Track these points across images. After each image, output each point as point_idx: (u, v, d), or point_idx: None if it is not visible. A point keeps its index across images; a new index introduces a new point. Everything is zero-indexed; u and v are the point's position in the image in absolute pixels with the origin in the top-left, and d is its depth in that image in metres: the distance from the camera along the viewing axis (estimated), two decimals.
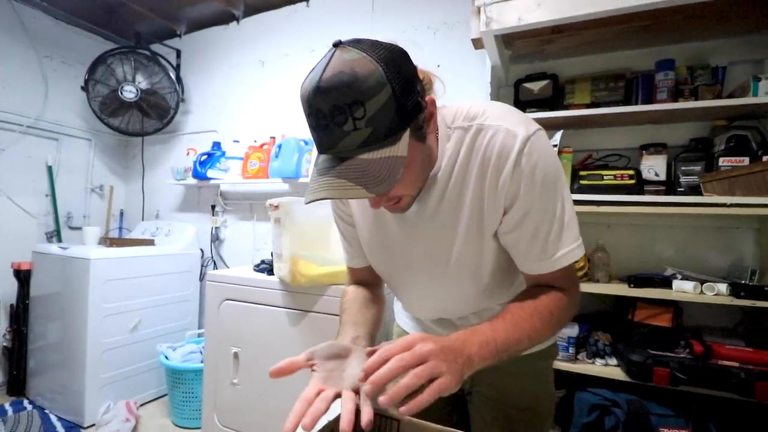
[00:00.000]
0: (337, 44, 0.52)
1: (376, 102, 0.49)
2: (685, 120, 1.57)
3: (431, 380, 0.48)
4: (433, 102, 0.58)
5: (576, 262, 0.64)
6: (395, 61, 0.51)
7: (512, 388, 0.81)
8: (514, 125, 0.60)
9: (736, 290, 1.32)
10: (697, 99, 1.45)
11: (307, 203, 0.54)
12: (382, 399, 0.48)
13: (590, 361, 1.52)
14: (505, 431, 0.80)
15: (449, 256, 0.69)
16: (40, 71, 2.62)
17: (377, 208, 0.63)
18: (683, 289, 1.38)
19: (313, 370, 0.59)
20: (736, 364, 1.29)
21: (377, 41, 0.53)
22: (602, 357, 1.51)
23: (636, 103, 1.53)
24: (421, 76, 0.60)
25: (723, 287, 1.35)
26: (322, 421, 0.63)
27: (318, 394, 0.55)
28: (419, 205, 0.67)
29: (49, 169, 2.70)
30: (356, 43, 0.51)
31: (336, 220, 0.83)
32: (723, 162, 1.42)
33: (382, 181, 0.51)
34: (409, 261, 0.74)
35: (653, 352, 1.39)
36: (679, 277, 1.46)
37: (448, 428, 0.61)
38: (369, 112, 0.49)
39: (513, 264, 0.69)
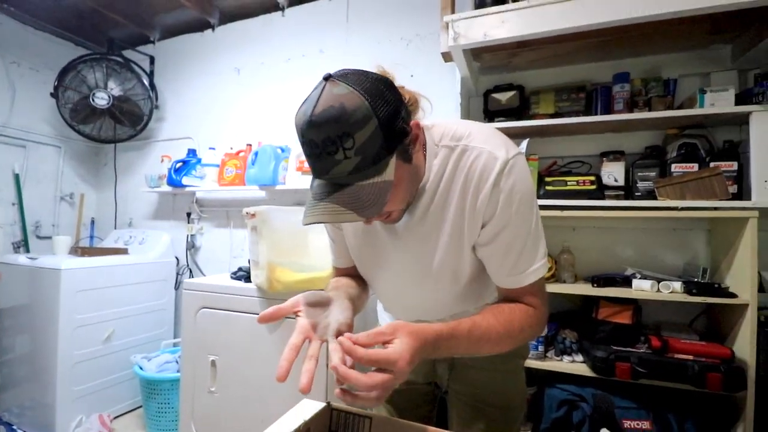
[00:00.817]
0: (327, 77, 0.57)
1: (363, 133, 0.54)
2: (641, 129, 1.68)
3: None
4: (418, 125, 0.63)
5: (544, 278, 0.72)
6: (380, 92, 0.56)
7: (486, 386, 0.87)
8: (496, 148, 0.66)
9: (689, 288, 1.42)
10: (650, 110, 1.55)
11: (304, 224, 0.59)
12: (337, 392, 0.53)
13: (558, 358, 1.60)
14: (481, 427, 0.86)
15: (431, 262, 0.74)
16: (7, 77, 2.54)
17: (370, 225, 0.69)
18: (642, 287, 1.47)
19: (297, 316, 0.63)
20: (691, 357, 1.38)
21: (364, 73, 0.58)
22: (569, 354, 1.59)
23: (596, 113, 1.62)
24: (407, 97, 0.65)
25: (678, 285, 1.44)
26: (298, 420, 0.66)
27: (304, 341, 0.60)
28: (406, 215, 0.73)
29: (16, 177, 2.62)
30: (344, 77, 0.56)
31: (326, 225, 0.87)
32: (675, 168, 1.52)
33: (372, 205, 0.56)
34: (393, 266, 0.79)
35: (615, 348, 1.47)
36: (638, 276, 1.55)
37: (418, 424, 0.65)
38: (357, 143, 0.54)
39: (487, 274, 0.75)
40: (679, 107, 1.56)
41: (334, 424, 0.70)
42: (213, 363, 1.52)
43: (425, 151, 0.69)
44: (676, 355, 1.41)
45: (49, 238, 2.66)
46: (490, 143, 0.67)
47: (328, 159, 0.55)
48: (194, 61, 2.70)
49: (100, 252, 2.35)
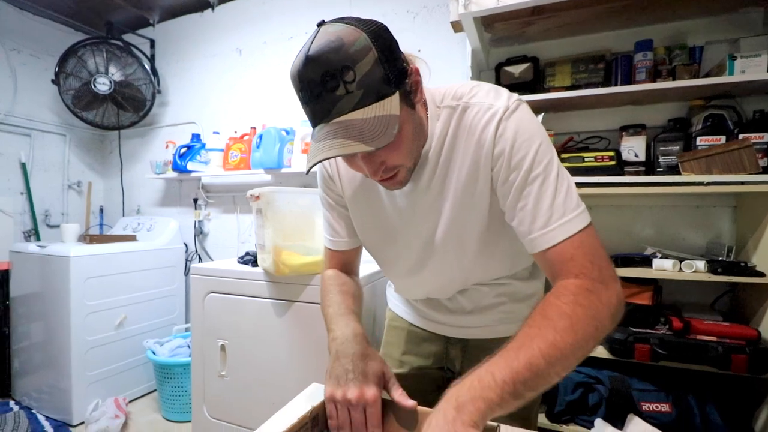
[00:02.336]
0: (320, 23, 0.55)
1: (364, 64, 0.51)
2: (664, 100, 1.58)
3: None
4: (418, 71, 0.59)
5: (590, 235, 0.56)
6: (377, 31, 0.54)
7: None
8: (495, 100, 0.62)
9: (713, 267, 1.35)
10: (675, 79, 1.46)
11: (308, 168, 0.55)
12: None
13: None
14: None
15: (435, 232, 0.70)
16: (8, 64, 2.51)
17: (376, 178, 0.61)
18: (663, 267, 1.41)
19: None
20: (714, 339, 1.33)
21: (359, 17, 0.56)
22: None
23: (616, 85, 1.53)
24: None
25: (701, 264, 1.37)
26: (305, 406, 0.63)
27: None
28: (411, 184, 0.68)
29: (23, 166, 2.62)
30: (339, 19, 0.54)
31: (323, 198, 0.82)
32: (700, 141, 1.44)
33: (379, 135, 0.52)
34: (400, 239, 0.75)
35: (634, 329, 1.42)
36: (659, 255, 1.48)
37: (425, 408, 0.61)
38: (359, 75, 0.51)
39: (496, 246, 0.70)
40: (706, 76, 1.47)
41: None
42: (222, 347, 1.51)
43: (427, 111, 0.65)
44: (699, 337, 1.36)
45: (59, 226, 2.67)
46: (490, 96, 0.63)
47: (329, 97, 0.52)
48: (195, 43, 2.63)
49: (108, 239, 2.35)
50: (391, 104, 0.53)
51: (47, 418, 2.12)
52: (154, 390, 2.32)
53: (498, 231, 0.68)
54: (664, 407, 1.37)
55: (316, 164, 0.53)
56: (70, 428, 2.03)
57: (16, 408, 2.22)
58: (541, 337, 0.49)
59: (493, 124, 0.60)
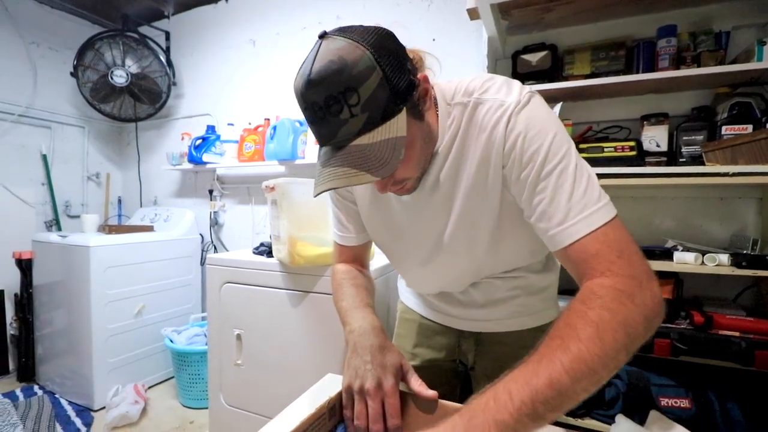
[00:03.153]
0: (322, 35, 0.52)
1: (368, 86, 0.49)
2: (688, 88, 1.53)
3: None
4: (426, 79, 0.57)
5: (617, 228, 0.51)
6: (382, 43, 0.51)
7: (514, 363, 0.82)
8: (507, 95, 0.59)
9: (737, 260, 1.31)
10: (699, 66, 1.41)
11: (315, 196, 0.54)
12: None
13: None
14: None
15: (444, 230, 0.69)
16: (28, 58, 2.56)
17: (384, 193, 0.62)
18: (684, 260, 1.37)
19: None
20: (737, 334, 1.29)
21: (362, 26, 0.53)
22: None
23: (637, 72, 1.48)
24: (411, 56, 0.59)
25: (725, 258, 1.33)
26: (322, 397, 0.63)
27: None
28: (420, 182, 0.67)
29: (44, 157, 2.68)
30: (341, 32, 0.51)
31: (334, 198, 0.82)
32: (726, 130, 1.39)
33: (386, 163, 0.51)
34: (409, 237, 0.75)
35: None
36: (680, 248, 1.44)
37: (443, 401, 0.61)
38: (363, 98, 0.49)
39: (507, 241, 0.68)
40: (733, 62, 1.41)
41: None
42: (238, 336, 1.53)
43: (437, 110, 0.63)
44: (721, 331, 1.32)
45: (79, 216, 2.73)
46: (502, 91, 0.60)
47: (333, 120, 0.50)
48: (209, 34, 2.64)
49: (126, 230, 2.39)
50: (398, 124, 0.52)
51: (70, 402, 2.19)
52: (172, 377, 2.38)
53: (509, 227, 0.67)
54: (684, 403, 1.34)
55: (322, 192, 0.53)
56: (92, 412, 2.10)
57: (40, 392, 2.29)
58: (564, 349, 0.43)
59: (504, 120, 0.58)
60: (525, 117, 0.57)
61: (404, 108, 0.53)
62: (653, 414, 0.60)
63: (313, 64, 0.49)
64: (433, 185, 0.67)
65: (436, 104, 0.63)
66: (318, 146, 0.56)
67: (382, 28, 0.54)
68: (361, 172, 0.50)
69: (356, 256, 0.86)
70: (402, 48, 0.55)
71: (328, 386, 0.79)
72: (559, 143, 0.55)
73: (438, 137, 0.63)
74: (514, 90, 0.60)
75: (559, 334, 0.46)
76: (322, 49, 0.50)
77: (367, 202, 0.77)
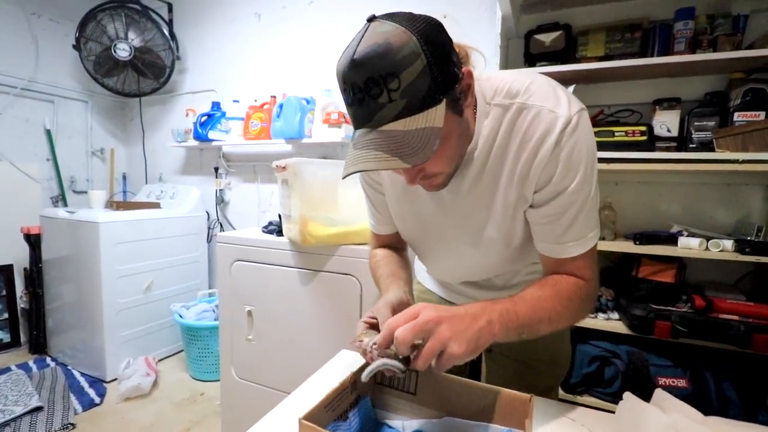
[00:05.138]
0: (371, 19, 0.52)
1: (410, 73, 0.48)
2: (702, 73, 1.51)
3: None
4: (471, 74, 0.56)
5: (596, 249, 0.66)
6: (429, 32, 0.50)
7: (533, 342, 0.85)
8: (557, 105, 0.58)
9: (741, 246, 1.33)
10: (716, 50, 1.39)
11: (343, 177, 0.54)
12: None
13: (593, 315, 1.57)
14: (525, 380, 0.85)
15: (481, 233, 0.70)
16: (29, 30, 2.51)
17: (412, 185, 0.61)
18: (689, 245, 1.40)
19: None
20: (736, 318, 1.33)
21: (411, 13, 0.52)
22: (604, 311, 1.56)
23: (652, 56, 1.46)
24: (456, 50, 0.58)
25: (729, 243, 1.36)
26: (346, 371, 0.66)
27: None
28: (454, 182, 0.66)
29: (48, 132, 2.66)
30: (389, 17, 0.51)
31: (364, 187, 0.83)
32: (738, 117, 1.38)
33: (418, 151, 0.50)
34: (439, 234, 0.76)
35: (655, 306, 1.43)
36: (685, 234, 1.46)
37: (467, 379, 0.64)
38: (404, 83, 0.48)
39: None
40: (749, 47, 1.39)
41: (379, 377, 0.70)
42: (249, 313, 1.56)
43: (475, 109, 0.62)
44: (721, 315, 1.36)
45: (85, 192, 2.74)
46: (550, 100, 0.58)
47: (371, 103, 0.50)
48: (212, 7, 2.58)
49: (134, 206, 2.40)
50: (436, 115, 0.51)
51: (82, 374, 2.26)
52: (181, 350, 2.44)
53: None
54: (681, 382, 1.39)
55: (351, 174, 0.53)
56: (104, 383, 2.16)
57: (52, 364, 2.36)
58: (557, 312, 0.60)
59: (553, 137, 0.57)
60: (574, 141, 0.57)
61: (444, 100, 0.52)
62: (658, 392, 0.63)
63: (358, 46, 0.49)
64: (469, 189, 0.67)
65: (475, 100, 0.61)
66: (353, 129, 0.56)
67: (431, 17, 0.53)
68: (393, 157, 0.50)
69: (392, 242, 0.87)
70: (449, 40, 0.54)
71: (344, 361, 0.82)
72: (591, 172, 0.60)
73: (474, 134, 0.63)
74: (563, 101, 0.58)
75: (554, 298, 0.61)
76: (369, 32, 0.50)
77: (395, 195, 0.76)
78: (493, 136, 0.62)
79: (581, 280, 0.64)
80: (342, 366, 0.84)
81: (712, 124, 1.43)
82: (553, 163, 0.58)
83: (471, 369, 1.01)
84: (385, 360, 0.57)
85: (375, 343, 0.58)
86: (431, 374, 0.66)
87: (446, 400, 0.64)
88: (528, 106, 0.59)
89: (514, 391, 0.58)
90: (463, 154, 0.63)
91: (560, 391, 1.53)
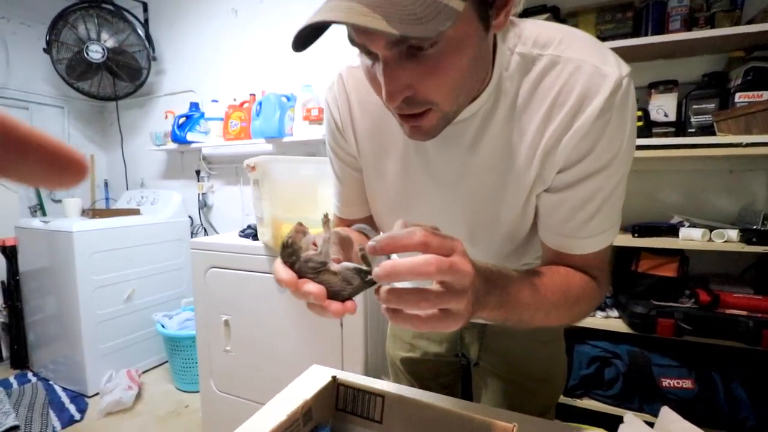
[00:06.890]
0: None
1: None
2: (699, 53, 1.43)
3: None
4: None
5: (610, 247, 0.55)
6: None
7: (522, 356, 0.76)
8: (604, 62, 0.44)
9: (747, 236, 1.25)
10: (713, 27, 1.30)
11: (302, 27, 0.40)
12: (377, 271, 0.36)
13: (590, 313, 1.48)
14: (515, 401, 0.75)
15: (485, 223, 0.57)
16: None
17: (393, 104, 0.42)
18: (691, 237, 1.31)
19: None
20: (744, 313, 1.25)
21: None
22: (603, 309, 1.47)
23: (646, 35, 1.37)
24: None
25: (734, 233, 1.27)
26: (297, 400, 0.57)
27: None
28: (453, 150, 0.52)
29: None
30: None
31: (332, 159, 0.66)
32: (739, 98, 1.30)
33: (415, 21, 0.34)
34: (435, 219, 0.58)
35: (657, 303, 1.34)
36: (687, 224, 1.38)
37: (438, 405, 0.55)
38: None
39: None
40: (749, 23, 1.30)
41: (341, 402, 0.61)
42: (226, 323, 1.48)
43: (496, 51, 0.47)
44: (727, 311, 1.27)
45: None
46: (594, 55, 0.45)
47: None
48: (189, 4, 2.48)
49: (111, 213, 2.31)
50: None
51: (64, 389, 2.17)
52: (166, 362, 2.35)
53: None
54: (686, 383, 1.30)
55: (308, 26, 0.38)
56: (86, 399, 2.07)
57: (34, 380, 2.27)
58: (555, 305, 0.49)
59: (598, 102, 0.43)
60: (623, 110, 0.44)
61: None
62: (665, 412, 0.54)
63: None
64: (479, 155, 0.52)
65: (505, 25, 0.44)
66: None
67: None
68: (376, 14, 0.33)
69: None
70: None
71: (307, 387, 0.72)
72: (632, 151, 0.49)
73: (487, 80, 0.47)
74: (610, 58, 0.45)
75: (560, 292, 0.50)
76: None
77: (376, 166, 0.61)
78: (515, 91, 0.48)
79: (592, 281, 0.53)
80: (301, 396, 0.74)
81: (711, 106, 1.34)
82: (593, 136, 0.45)
83: (463, 386, 0.91)
84: (352, 264, 0.43)
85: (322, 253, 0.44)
86: (400, 400, 0.57)
87: (417, 431, 0.55)
88: (564, 59, 0.45)
89: (494, 421, 0.49)
90: (471, 95, 0.47)
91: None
